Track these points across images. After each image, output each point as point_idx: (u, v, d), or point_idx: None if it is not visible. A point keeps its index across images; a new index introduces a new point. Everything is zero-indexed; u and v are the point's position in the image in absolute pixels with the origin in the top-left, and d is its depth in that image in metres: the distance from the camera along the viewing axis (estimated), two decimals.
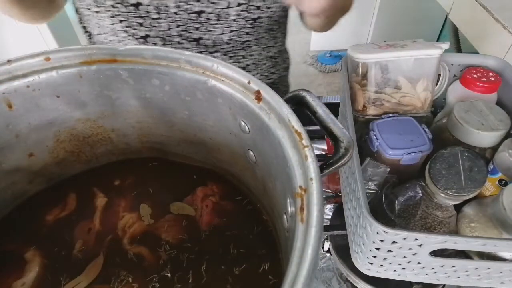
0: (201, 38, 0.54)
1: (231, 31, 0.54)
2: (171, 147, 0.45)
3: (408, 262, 0.38)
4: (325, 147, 0.68)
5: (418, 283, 0.46)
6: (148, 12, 0.50)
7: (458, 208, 0.41)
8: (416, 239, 0.34)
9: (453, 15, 1.15)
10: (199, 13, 0.51)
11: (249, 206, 0.42)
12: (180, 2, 0.50)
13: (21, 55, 0.34)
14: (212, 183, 0.44)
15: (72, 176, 0.45)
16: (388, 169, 0.43)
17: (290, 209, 0.28)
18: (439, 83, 0.52)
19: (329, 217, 0.56)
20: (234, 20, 0.52)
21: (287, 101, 0.31)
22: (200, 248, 0.39)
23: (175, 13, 0.50)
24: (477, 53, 1.01)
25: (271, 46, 0.65)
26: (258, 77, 0.65)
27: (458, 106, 0.44)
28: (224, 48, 0.57)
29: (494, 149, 0.43)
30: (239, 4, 0.51)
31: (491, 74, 0.47)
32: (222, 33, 0.54)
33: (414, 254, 0.36)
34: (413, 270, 0.39)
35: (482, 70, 0.48)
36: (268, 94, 0.31)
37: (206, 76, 0.34)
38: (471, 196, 0.36)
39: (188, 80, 0.35)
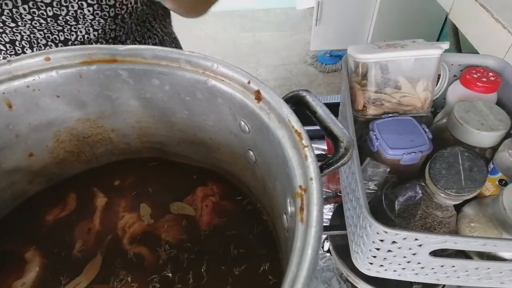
0: (68, 39, 0.54)
1: (95, 30, 0.54)
2: (171, 147, 0.45)
3: (408, 262, 0.38)
4: (325, 147, 0.68)
5: (418, 283, 0.47)
6: (4, 21, 0.50)
7: (458, 208, 0.41)
8: (416, 239, 0.34)
9: (453, 15, 1.15)
10: (55, 17, 0.51)
11: (249, 206, 0.42)
12: (31, 8, 0.49)
13: (21, 55, 0.34)
14: (212, 183, 0.44)
15: (72, 176, 0.45)
16: (388, 169, 0.43)
17: (290, 209, 0.28)
18: (439, 83, 0.52)
19: (329, 217, 0.56)
20: (92, 19, 0.52)
21: (287, 101, 0.31)
22: (200, 248, 0.39)
23: (31, 19, 0.50)
24: (477, 53, 1.01)
25: (148, 38, 0.65)
26: None
27: (458, 106, 0.44)
28: None
29: (494, 149, 0.43)
30: (89, 5, 0.50)
31: (491, 74, 0.47)
32: (87, 33, 0.54)
33: (414, 254, 0.36)
34: (413, 270, 0.39)
35: (482, 70, 0.48)
36: (268, 94, 0.31)
37: (206, 76, 0.34)
38: (471, 196, 0.36)
39: (188, 80, 0.35)
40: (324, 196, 0.50)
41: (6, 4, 0.47)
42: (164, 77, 0.35)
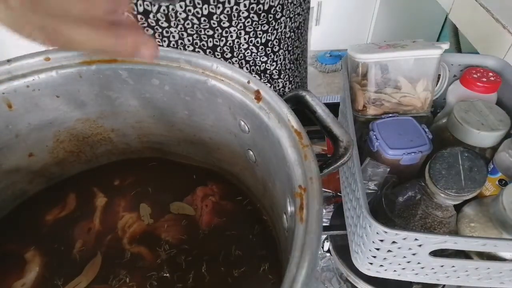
0: (217, 46, 0.52)
1: (247, 33, 0.51)
2: (171, 147, 0.45)
3: (408, 262, 0.38)
4: (325, 147, 0.68)
5: (418, 283, 0.46)
6: (157, 20, 0.48)
7: (458, 208, 0.41)
8: (416, 239, 0.34)
9: (453, 15, 1.15)
10: (209, 16, 0.48)
11: (249, 206, 0.42)
12: (188, 6, 0.47)
13: (21, 55, 0.34)
14: (212, 183, 0.44)
15: (72, 176, 0.45)
16: (388, 169, 0.43)
17: (289, 208, 0.28)
18: (439, 83, 0.52)
19: (329, 217, 0.56)
20: (246, 17, 0.49)
21: (287, 101, 0.31)
22: (200, 247, 0.39)
23: (185, 18, 0.48)
24: (477, 53, 1.01)
25: (296, 47, 0.60)
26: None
27: (458, 106, 0.44)
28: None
29: (494, 149, 0.42)
30: None
31: (491, 74, 0.47)
32: (238, 37, 0.51)
33: (414, 254, 0.36)
34: (413, 270, 0.39)
35: (482, 70, 0.48)
36: (268, 94, 0.31)
37: (205, 76, 0.34)
38: (471, 196, 0.36)
39: (188, 80, 0.35)
40: (323, 196, 0.50)
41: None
42: (163, 77, 0.35)
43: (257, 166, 0.37)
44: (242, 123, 0.35)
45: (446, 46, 0.47)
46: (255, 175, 0.39)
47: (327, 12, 2.05)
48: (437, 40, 1.99)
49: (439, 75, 0.52)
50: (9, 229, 0.40)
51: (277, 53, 0.57)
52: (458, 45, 1.41)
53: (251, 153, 0.37)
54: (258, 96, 0.31)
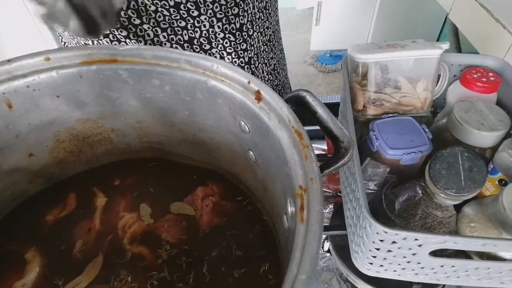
0: (193, 38, 0.52)
1: (219, 20, 0.51)
2: (171, 147, 0.45)
3: (408, 262, 0.38)
4: (325, 147, 0.68)
5: (418, 283, 0.47)
6: (130, 17, 0.48)
7: (458, 208, 0.41)
8: (416, 239, 0.34)
9: (453, 15, 1.15)
10: (177, 6, 0.48)
11: (249, 206, 0.42)
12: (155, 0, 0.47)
13: (21, 55, 0.34)
14: (212, 183, 0.44)
15: (72, 176, 0.45)
16: (388, 169, 0.43)
17: (290, 209, 0.28)
18: (439, 83, 0.52)
19: (329, 217, 0.56)
20: (213, 2, 0.49)
21: (287, 101, 0.31)
22: (200, 248, 0.39)
23: (155, 11, 0.48)
24: (477, 53, 1.01)
25: (266, 28, 0.61)
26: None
27: (458, 106, 0.44)
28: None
29: (494, 149, 0.43)
30: None
31: (491, 74, 0.47)
32: (211, 25, 0.51)
33: (414, 254, 0.36)
34: (413, 270, 0.39)
35: (482, 70, 0.48)
36: (268, 94, 0.31)
37: (206, 76, 0.34)
38: (471, 196, 0.36)
39: (188, 80, 0.35)
40: (324, 196, 0.50)
41: None
42: (164, 77, 0.35)
43: (258, 166, 0.37)
44: (243, 123, 0.35)
45: (446, 46, 0.47)
46: (255, 175, 0.39)
47: (327, 12, 2.05)
48: (437, 40, 1.99)
49: (439, 75, 0.52)
50: (9, 229, 0.40)
51: (252, 36, 0.58)
52: (458, 45, 1.41)
53: (251, 153, 0.37)
54: (258, 97, 0.31)
